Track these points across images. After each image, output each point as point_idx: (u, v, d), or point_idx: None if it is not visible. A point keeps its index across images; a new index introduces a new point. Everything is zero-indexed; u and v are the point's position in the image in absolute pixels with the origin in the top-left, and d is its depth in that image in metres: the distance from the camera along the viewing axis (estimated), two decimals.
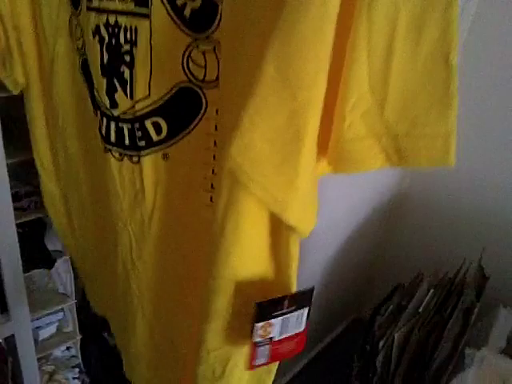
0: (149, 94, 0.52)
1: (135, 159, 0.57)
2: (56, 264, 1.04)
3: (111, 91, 0.55)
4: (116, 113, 0.56)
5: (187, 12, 0.46)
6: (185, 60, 0.49)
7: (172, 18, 0.47)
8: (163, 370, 0.74)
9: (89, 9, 0.53)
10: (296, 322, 0.59)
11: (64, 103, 0.68)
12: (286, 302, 0.56)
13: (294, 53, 0.38)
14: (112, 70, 0.53)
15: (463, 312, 1.20)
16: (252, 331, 0.56)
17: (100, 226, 0.75)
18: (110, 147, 0.59)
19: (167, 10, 0.47)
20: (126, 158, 0.58)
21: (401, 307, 1.25)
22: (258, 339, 0.57)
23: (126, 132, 0.56)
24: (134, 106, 0.54)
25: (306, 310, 0.58)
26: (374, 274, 1.91)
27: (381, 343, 1.15)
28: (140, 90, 0.53)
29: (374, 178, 1.51)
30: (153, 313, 0.69)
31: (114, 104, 0.55)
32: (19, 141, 0.98)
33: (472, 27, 1.40)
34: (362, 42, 0.38)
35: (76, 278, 1.11)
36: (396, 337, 1.14)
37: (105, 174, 0.62)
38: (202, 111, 0.51)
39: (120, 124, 0.56)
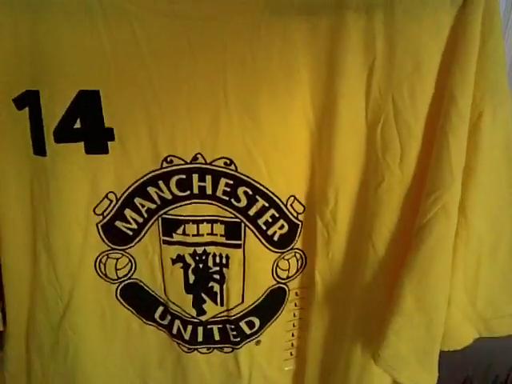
0: (242, 301, 0.55)
1: (227, 350, 0.59)
2: None
3: (199, 304, 0.56)
4: (204, 318, 0.57)
5: (276, 237, 0.52)
6: (274, 270, 0.54)
7: (264, 244, 0.52)
8: None
9: (166, 242, 0.53)
10: None
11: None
12: None
13: (431, 285, 0.46)
14: (199, 287, 0.55)
15: None
16: None
17: None
18: (196, 347, 0.59)
19: (259, 239, 0.52)
20: (215, 350, 0.59)
21: None
22: None
23: (215, 331, 0.58)
24: (227, 312, 0.56)
25: None
26: None
27: None
28: (233, 300, 0.55)
29: None
30: None
31: (201, 312, 0.57)
32: None
33: None
34: (460, 265, 0.48)
35: None
36: None
37: (185, 370, 0.60)
38: (286, 298, 0.56)
39: (209, 326, 0.58)
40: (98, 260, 0.53)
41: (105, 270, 0.54)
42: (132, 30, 0.42)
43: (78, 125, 0.46)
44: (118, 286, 0.55)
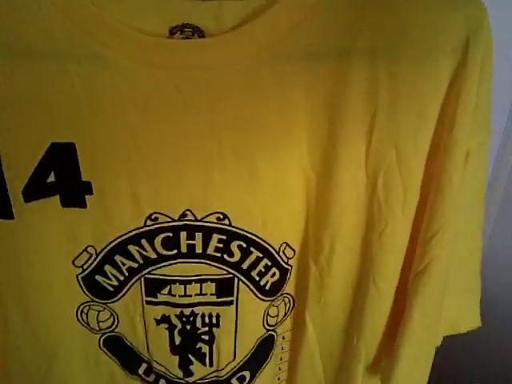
0: (234, 358, 0.52)
1: None
2: None
3: (186, 365, 0.53)
4: (191, 380, 0.54)
5: (268, 286, 0.48)
6: (264, 319, 0.51)
7: (257, 296, 0.49)
8: None
9: (150, 303, 0.49)
10: None
11: None
12: None
13: (438, 312, 0.49)
14: (186, 349, 0.52)
15: None
16: None
17: None
18: None
19: (253, 291, 0.48)
20: None
21: None
22: None
23: None
24: (217, 372, 0.53)
25: None
26: None
27: None
28: (224, 360, 0.52)
29: None
30: None
31: (188, 374, 0.53)
32: None
33: None
34: None
35: None
36: None
37: None
38: (275, 343, 0.53)
39: None
40: (80, 310, 0.49)
41: (87, 319, 0.49)
42: (111, 78, 0.37)
43: (51, 178, 0.40)
44: (101, 337, 0.51)
